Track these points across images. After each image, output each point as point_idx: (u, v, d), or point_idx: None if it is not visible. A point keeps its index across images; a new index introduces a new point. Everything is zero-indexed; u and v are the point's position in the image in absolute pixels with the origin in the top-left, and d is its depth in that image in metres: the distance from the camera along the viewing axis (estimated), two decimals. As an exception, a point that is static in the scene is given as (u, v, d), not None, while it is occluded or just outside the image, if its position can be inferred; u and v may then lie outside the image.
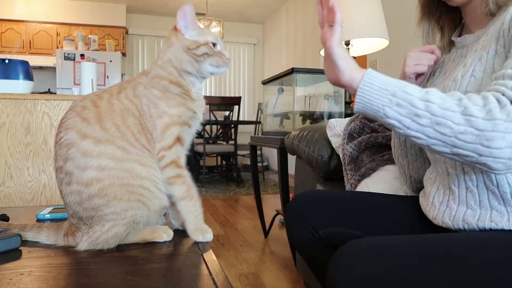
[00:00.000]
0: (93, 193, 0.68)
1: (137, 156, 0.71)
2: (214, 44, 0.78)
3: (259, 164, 5.75)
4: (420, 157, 0.95)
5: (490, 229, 0.71)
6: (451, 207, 0.77)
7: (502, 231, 0.69)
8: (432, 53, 0.87)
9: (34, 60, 5.15)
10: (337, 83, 0.71)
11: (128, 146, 0.71)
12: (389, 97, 0.64)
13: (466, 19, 0.86)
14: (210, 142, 4.90)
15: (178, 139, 0.75)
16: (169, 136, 0.74)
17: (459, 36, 0.89)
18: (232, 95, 6.55)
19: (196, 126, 0.80)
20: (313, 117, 2.17)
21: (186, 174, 0.76)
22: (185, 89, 0.77)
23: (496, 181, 0.70)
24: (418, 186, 0.98)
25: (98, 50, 5.43)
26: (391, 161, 1.17)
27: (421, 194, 0.92)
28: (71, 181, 0.69)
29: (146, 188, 0.71)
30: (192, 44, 0.76)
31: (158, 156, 0.74)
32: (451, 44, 0.91)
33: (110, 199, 0.68)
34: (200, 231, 0.75)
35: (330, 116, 2.15)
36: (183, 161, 0.77)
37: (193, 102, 0.78)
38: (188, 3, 0.77)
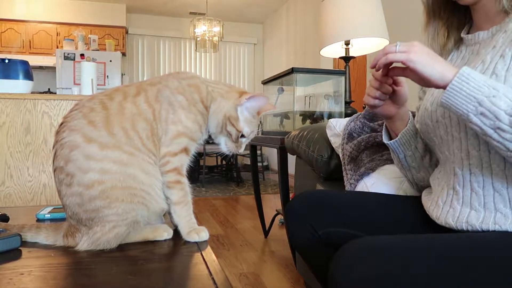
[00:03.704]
0: (94, 195, 0.68)
1: (142, 161, 0.72)
2: (242, 135, 0.82)
3: (259, 164, 5.74)
4: (422, 168, 0.94)
5: (494, 231, 0.71)
6: (454, 207, 0.77)
7: (505, 232, 0.69)
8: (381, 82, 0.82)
9: (34, 60, 5.15)
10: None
11: (135, 151, 0.71)
12: (475, 104, 0.63)
13: (476, 17, 0.85)
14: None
15: (185, 149, 0.77)
16: (178, 144, 0.76)
17: (467, 33, 0.87)
18: (232, 95, 6.53)
19: (201, 141, 0.83)
20: (313, 117, 2.17)
21: (186, 182, 0.78)
22: (206, 114, 0.81)
23: (507, 183, 0.70)
24: (421, 185, 0.98)
25: (98, 50, 5.43)
26: (390, 161, 1.17)
27: (424, 193, 0.92)
28: (71, 183, 0.68)
29: (147, 193, 0.72)
30: (234, 120, 0.81)
31: (163, 160, 0.75)
32: (459, 43, 0.90)
33: (111, 201, 0.68)
34: (195, 231, 0.76)
35: (330, 116, 2.15)
36: (185, 169, 0.79)
37: (206, 127, 0.82)
38: (266, 96, 0.82)
